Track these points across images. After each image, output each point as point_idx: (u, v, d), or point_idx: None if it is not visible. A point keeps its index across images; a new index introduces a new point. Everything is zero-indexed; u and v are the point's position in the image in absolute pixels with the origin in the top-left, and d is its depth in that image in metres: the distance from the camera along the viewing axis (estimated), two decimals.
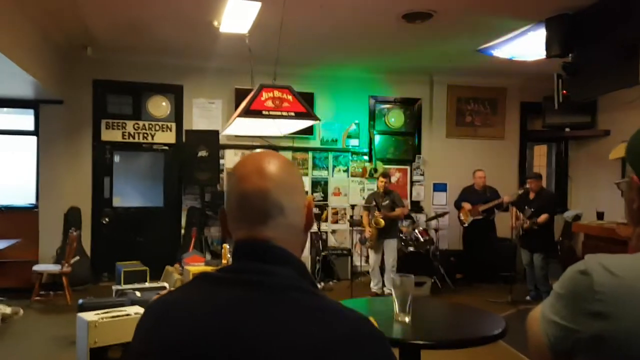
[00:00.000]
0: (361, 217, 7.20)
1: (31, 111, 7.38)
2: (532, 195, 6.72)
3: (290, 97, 3.75)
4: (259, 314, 0.87)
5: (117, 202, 7.79)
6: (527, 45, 6.33)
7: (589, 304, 0.90)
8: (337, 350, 0.84)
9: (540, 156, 9.28)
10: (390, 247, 6.82)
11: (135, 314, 4.02)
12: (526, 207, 6.63)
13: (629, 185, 1.05)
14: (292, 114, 3.74)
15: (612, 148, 7.49)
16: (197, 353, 0.87)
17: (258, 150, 1.10)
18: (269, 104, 3.69)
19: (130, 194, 7.95)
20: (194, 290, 0.97)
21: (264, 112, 3.69)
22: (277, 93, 3.75)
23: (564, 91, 5.65)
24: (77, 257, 6.63)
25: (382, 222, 6.67)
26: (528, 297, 6.76)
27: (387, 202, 6.83)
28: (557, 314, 0.97)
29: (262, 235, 0.97)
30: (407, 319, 2.11)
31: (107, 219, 7.66)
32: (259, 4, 5.07)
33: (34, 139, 7.39)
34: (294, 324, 0.86)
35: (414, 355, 2.01)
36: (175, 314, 0.94)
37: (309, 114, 3.87)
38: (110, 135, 7.64)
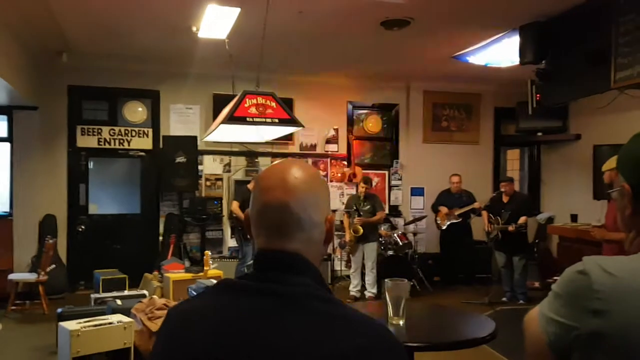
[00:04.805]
0: (341, 221, 7.26)
1: (4, 117, 7.23)
2: (505, 199, 6.85)
3: (273, 104, 3.77)
4: (280, 322, 0.89)
5: (93, 209, 7.68)
6: (502, 52, 6.48)
7: (588, 302, 0.95)
8: (358, 358, 0.85)
9: (513, 160, 9.46)
10: (370, 249, 6.89)
11: (118, 322, 3.97)
12: (503, 211, 6.75)
13: (621, 193, 1.11)
14: (276, 120, 3.77)
15: (583, 151, 7.71)
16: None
17: (286, 159, 1.10)
18: (253, 110, 3.70)
19: (106, 201, 7.85)
20: (216, 298, 0.98)
21: (247, 119, 3.71)
22: (260, 100, 3.77)
23: (537, 96, 5.80)
24: (53, 266, 6.52)
25: (361, 229, 6.75)
26: (504, 299, 6.87)
27: (368, 207, 6.90)
28: (557, 313, 1.01)
29: (282, 246, 0.99)
30: (401, 322, 2.16)
31: (82, 227, 7.54)
32: (238, 10, 5.08)
33: (7, 145, 7.24)
34: (315, 331, 0.87)
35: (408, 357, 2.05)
36: (198, 320, 0.95)
37: (293, 121, 3.90)
38: (86, 141, 7.54)
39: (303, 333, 0.87)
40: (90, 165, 7.67)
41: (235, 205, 7.06)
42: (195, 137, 7.41)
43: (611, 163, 3.54)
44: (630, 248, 1.11)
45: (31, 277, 6.31)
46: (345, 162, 8.46)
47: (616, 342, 0.93)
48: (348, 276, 7.32)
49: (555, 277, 1.19)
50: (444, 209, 7.62)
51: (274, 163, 1.08)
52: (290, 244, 0.99)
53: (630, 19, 4.38)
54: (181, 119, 7.84)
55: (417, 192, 8.58)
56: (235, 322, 0.91)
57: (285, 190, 0.99)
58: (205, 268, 5.27)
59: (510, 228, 6.51)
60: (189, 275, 5.56)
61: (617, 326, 0.93)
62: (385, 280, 2.16)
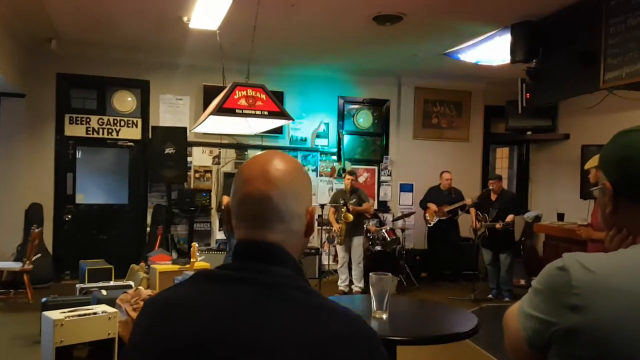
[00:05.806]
0: (328, 215, 7.27)
1: None
2: (494, 197, 6.89)
3: (263, 96, 3.76)
4: (257, 310, 0.89)
5: (80, 198, 7.63)
6: (493, 50, 6.50)
7: (566, 297, 0.96)
8: (333, 347, 0.87)
9: (502, 158, 9.52)
10: (356, 243, 6.91)
11: (103, 312, 3.95)
12: (490, 208, 6.79)
13: (603, 191, 1.12)
14: (266, 113, 3.75)
15: (571, 151, 7.76)
16: (197, 348, 0.88)
17: (269, 150, 1.09)
18: (243, 102, 3.69)
19: (93, 190, 7.79)
20: (195, 287, 0.98)
21: (237, 111, 3.69)
22: (250, 92, 3.75)
23: (527, 95, 5.83)
24: (39, 255, 6.47)
25: (351, 216, 6.75)
26: (490, 295, 6.92)
27: (355, 200, 6.92)
28: (536, 308, 1.02)
29: (262, 237, 0.99)
30: (384, 316, 2.17)
31: (69, 216, 7.50)
32: (230, 1, 5.05)
33: None
34: (291, 320, 0.88)
35: (390, 351, 2.06)
36: (176, 309, 0.94)
37: (283, 114, 3.88)
38: (74, 130, 7.48)
39: (283, 321, 0.88)
40: (78, 154, 7.61)
41: (226, 199, 7.05)
42: (184, 128, 7.37)
43: (594, 161, 3.56)
44: (610, 245, 1.12)
45: (16, 265, 6.26)
46: (335, 157, 8.45)
47: (593, 337, 0.94)
48: (336, 271, 7.33)
49: None
50: (432, 206, 7.66)
51: (256, 155, 1.07)
52: (270, 234, 0.99)
53: (620, 20, 4.41)
54: (171, 110, 7.80)
55: (406, 188, 8.60)
56: (214, 309, 0.91)
57: (266, 181, 0.99)
58: (192, 260, 5.25)
59: (498, 225, 6.55)
60: (175, 267, 5.53)
61: (594, 322, 0.94)
62: (370, 274, 2.17)
